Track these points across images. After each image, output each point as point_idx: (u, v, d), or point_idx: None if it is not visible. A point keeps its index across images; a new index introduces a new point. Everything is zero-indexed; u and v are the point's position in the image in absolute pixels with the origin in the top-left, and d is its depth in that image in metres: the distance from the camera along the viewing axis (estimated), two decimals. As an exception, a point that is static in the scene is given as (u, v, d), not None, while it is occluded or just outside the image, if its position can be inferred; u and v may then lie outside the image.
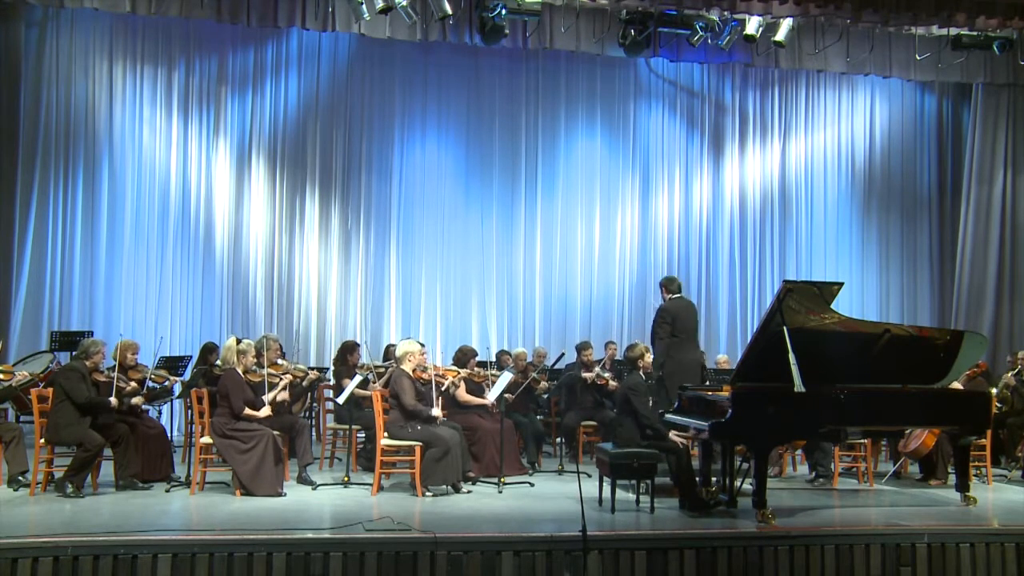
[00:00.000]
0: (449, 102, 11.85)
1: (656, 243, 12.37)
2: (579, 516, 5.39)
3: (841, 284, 6.75)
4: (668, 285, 8.48)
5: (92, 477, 7.06)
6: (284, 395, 7.70)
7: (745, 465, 7.00)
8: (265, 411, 7.28)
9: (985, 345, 7.45)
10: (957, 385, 8.12)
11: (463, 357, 8.67)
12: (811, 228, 12.72)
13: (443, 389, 7.94)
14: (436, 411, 7.49)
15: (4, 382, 7.84)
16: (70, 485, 6.77)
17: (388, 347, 10.05)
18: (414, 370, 7.59)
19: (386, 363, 9.26)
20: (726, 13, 10.23)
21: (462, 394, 8.31)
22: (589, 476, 7.39)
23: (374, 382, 8.28)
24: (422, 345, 7.99)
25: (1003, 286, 12.26)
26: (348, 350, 8.80)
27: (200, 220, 11.08)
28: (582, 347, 9.49)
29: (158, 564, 5.29)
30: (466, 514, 6.49)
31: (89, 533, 5.53)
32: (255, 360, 7.52)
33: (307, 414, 9.24)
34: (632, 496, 7.02)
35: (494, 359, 9.88)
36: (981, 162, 12.38)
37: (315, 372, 8.67)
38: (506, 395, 7.93)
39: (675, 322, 8.16)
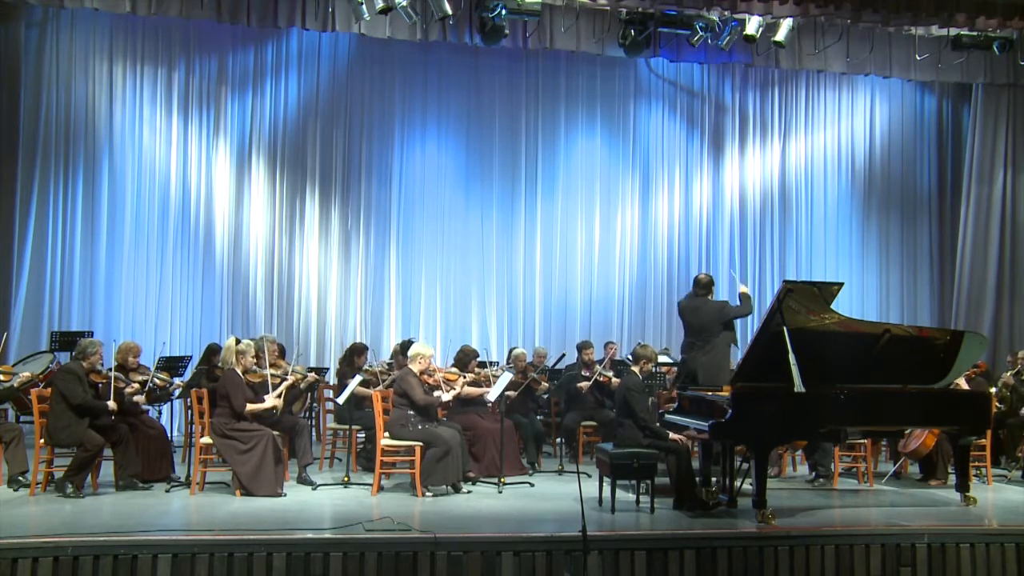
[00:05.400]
0: (449, 102, 11.83)
1: (656, 243, 12.35)
2: (579, 516, 5.38)
3: (841, 284, 6.76)
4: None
5: (92, 477, 7.06)
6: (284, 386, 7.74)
7: (745, 465, 7.00)
8: (271, 401, 7.28)
9: (985, 345, 7.45)
10: (964, 384, 8.12)
11: (465, 358, 8.66)
12: (811, 228, 12.70)
13: (454, 394, 7.93)
14: (446, 396, 7.64)
15: (4, 383, 7.83)
16: (70, 485, 6.77)
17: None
18: (420, 373, 7.59)
19: (388, 362, 9.27)
20: (726, 13, 10.23)
21: (465, 389, 8.31)
22: (589, 476, 7.39)
23: (377, 385, 8.26)
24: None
25: (1003, 286, 12.25)
26: (356, 352, 8.80)
27: (200, 220, 11.07)
28: (583, 346, 9.49)
29: (158, 564, 5.30)
30: (466, 514, 6.50)
31: (89, 533, 5.54)
32: (255, 360, 7.52)
33: (307, 414, 9.23)
34: (632, 496, 7.03)
35: (504, 356, 9.88)
36: (981, 162, 12.36)
37: (313, 375, 8.66)
38: (507, 393, 7.93)
39: (683, 323, 8.19)
